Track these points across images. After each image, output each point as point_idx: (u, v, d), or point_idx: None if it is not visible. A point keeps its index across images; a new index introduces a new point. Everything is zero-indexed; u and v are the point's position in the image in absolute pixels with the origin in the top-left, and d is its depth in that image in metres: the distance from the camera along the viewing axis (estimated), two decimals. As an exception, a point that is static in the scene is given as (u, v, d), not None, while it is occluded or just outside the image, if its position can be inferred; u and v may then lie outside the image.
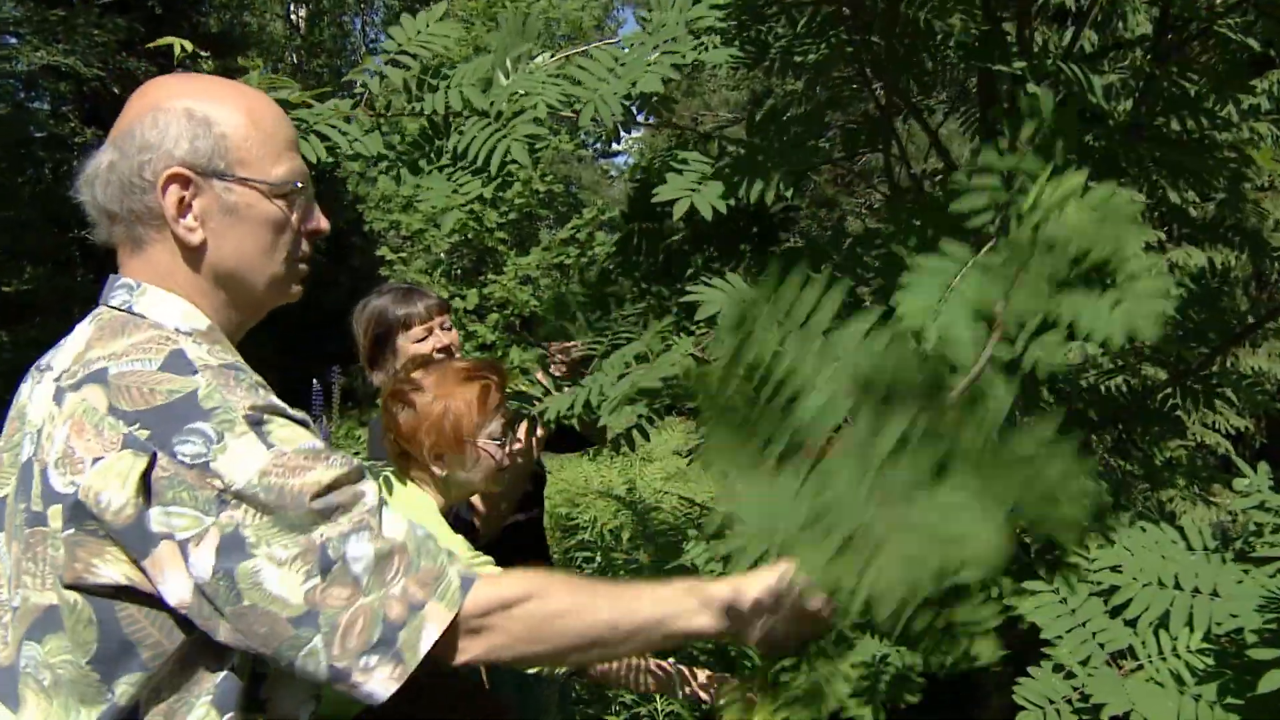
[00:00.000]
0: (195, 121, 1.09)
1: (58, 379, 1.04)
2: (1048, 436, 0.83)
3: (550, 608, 1.08)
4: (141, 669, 1.00)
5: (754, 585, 1.15)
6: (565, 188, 12.66)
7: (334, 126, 1.79)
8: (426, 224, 9.71)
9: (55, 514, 0.99)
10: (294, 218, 1.15)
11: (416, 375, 1.84)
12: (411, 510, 1.75)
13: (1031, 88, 1.84)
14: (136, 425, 0.97)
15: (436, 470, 1.79)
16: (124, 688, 0.99)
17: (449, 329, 2.39)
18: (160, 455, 0.96)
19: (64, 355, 1.08)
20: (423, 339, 2.34)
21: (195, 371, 1.01)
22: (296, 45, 23.12)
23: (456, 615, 1.03)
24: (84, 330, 1.10)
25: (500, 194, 1.85)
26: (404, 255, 10.71)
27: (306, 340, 17.71)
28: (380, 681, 0.99)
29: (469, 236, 10.54)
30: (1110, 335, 0.95)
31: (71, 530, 0.98)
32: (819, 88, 2.62)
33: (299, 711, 1.11)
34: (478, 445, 1.81)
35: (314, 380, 7.10)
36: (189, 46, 1.91)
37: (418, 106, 1.85)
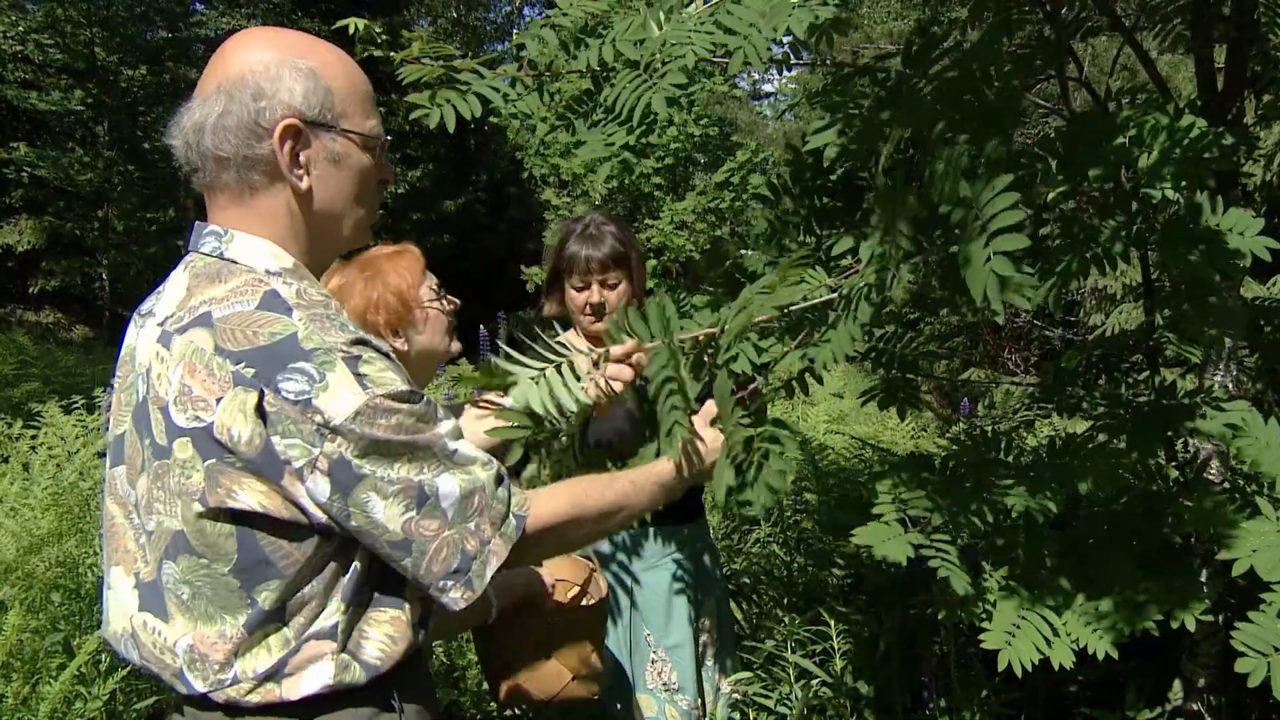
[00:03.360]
0: (306, 74, 1.17)
1: (162, 324, 1.15)
2: None
3: (588, 518, 1.31)
4: (279, 576, 1.11)
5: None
6: (719, 130, 12.47)
7: (495, 89, 1.82)
8: (584, 170, 9.78)
9: (182, 445, 1.09)
10: (376, 167, 1.25)
11: (339, 273, 1.90)
12: None
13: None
14: (243, 364, 1.07)
15: (400, 345, 1.86)
16: (266, 594, 1.11)
17: (614, 286, 2.27)
18: (267, 391, 1.06)
19: (166, 302, 1.18)
20: (580, 289, 2.28)
21: (291, 311, 1.10)
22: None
23: (513, 546, 1.20)
24: (181, 278, 1.19)
25: (645, 140, 1.85)
26: (567, 200, 10.84)
27: (471, 288, 18.30)
28: (453, 600, 1.16)
29: (624, 183, 10.56)
30: None
31: (213, 460, 1.08)
32: (987, 12, 2.43)
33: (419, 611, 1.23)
34: (423, 305, 1.88)
35: (481, 327, 7.30)
36: (361, 24, 1.97)
37: (572, 64, 1.85)
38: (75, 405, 4.20)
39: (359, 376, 1.08)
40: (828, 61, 2.39)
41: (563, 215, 10.62)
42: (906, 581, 2.75)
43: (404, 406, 1.11)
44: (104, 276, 15.28)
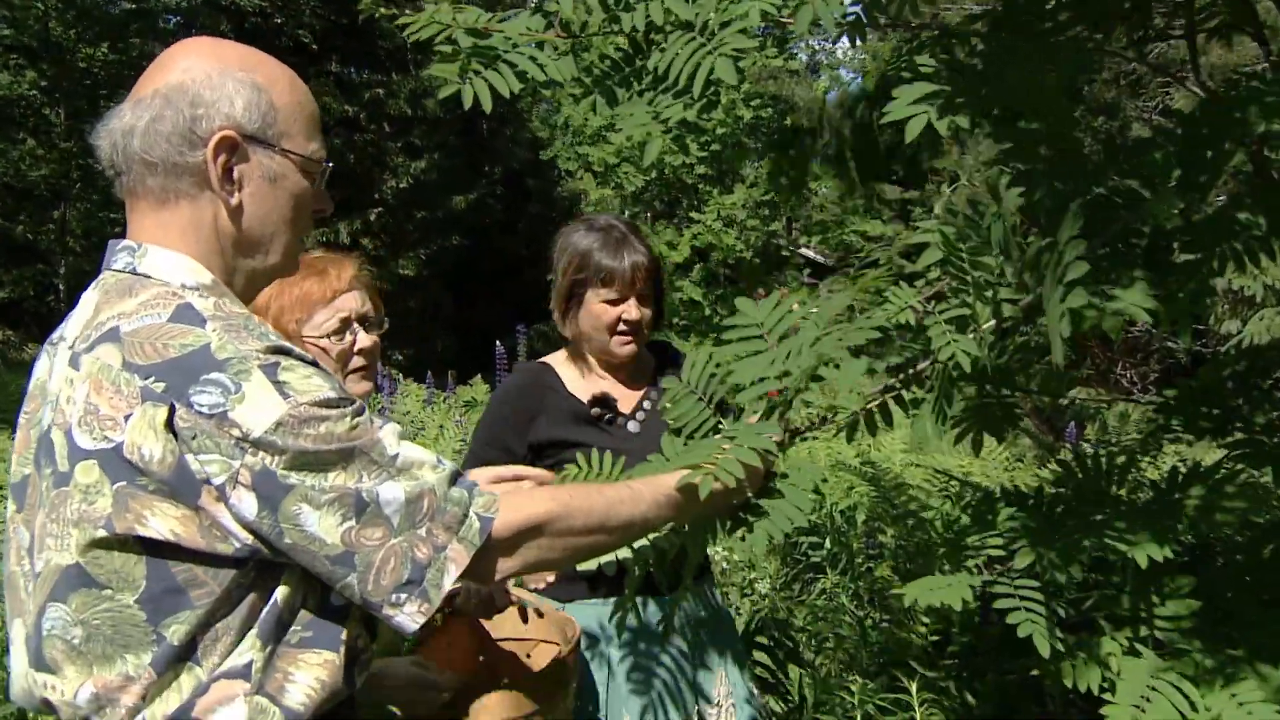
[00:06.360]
0: (249, 87, 1.27)
1: (71, 346, 1.22)
2: None
3: (573, 524, 1.35)
4: (191, 607, 1.16)
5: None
6: (774, 110, 12.45)
7: (524, 54, 1.81)
8: (618, 158, 9.81)
9: (86, 469, 1.16)
10: (314, 194, 1.35)
11: None
12: None
13: None
14: (151, 378, 1.14)
15: None
16: (175, 627, 1.16)
17: (647, 299, 2.29)
18: (178, 406, 1.13)
19: (74, 324, 1.26)
20: (614, 301, 2.27)
21: (205, 322, 1.17)
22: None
23: (477, 552, 1.25)
24: (91, 298, 1.27)
25: (703, 117, 1.83)
26: (606, 194, 10.88)
27: (485, 292, 18.34)
28: (408, 616, 1.21)
29: (664, 172, 10.59)
30: None
31: (123, 483, 1.14)
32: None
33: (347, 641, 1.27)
34: (302, 339, 1.86)
35: (497, 342, 7.31)
36: None
37: (615, 26, 1.84)
38: (25, 434, 4.24)
39: (279, 384, 1.15)
40: (908, 28, 2.35)
41: (605, 210, 10.68)
42: (1004, 640, 2.70)
43: (333, 413, 1.18)
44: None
